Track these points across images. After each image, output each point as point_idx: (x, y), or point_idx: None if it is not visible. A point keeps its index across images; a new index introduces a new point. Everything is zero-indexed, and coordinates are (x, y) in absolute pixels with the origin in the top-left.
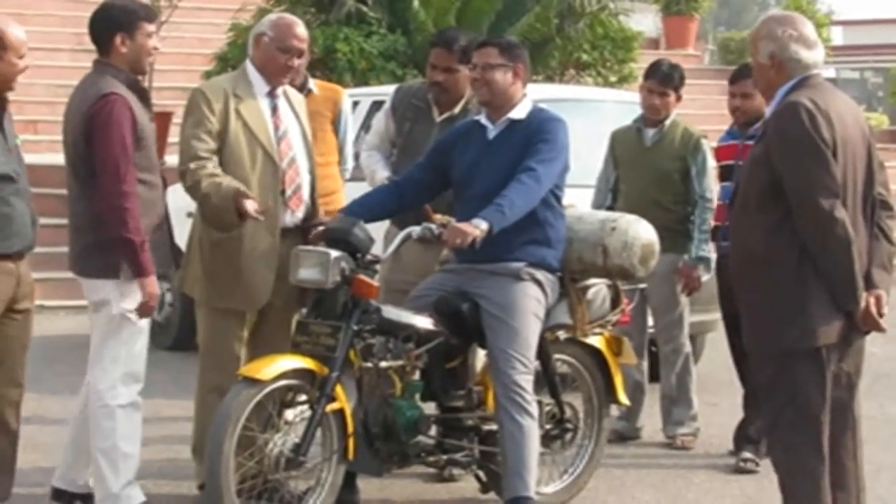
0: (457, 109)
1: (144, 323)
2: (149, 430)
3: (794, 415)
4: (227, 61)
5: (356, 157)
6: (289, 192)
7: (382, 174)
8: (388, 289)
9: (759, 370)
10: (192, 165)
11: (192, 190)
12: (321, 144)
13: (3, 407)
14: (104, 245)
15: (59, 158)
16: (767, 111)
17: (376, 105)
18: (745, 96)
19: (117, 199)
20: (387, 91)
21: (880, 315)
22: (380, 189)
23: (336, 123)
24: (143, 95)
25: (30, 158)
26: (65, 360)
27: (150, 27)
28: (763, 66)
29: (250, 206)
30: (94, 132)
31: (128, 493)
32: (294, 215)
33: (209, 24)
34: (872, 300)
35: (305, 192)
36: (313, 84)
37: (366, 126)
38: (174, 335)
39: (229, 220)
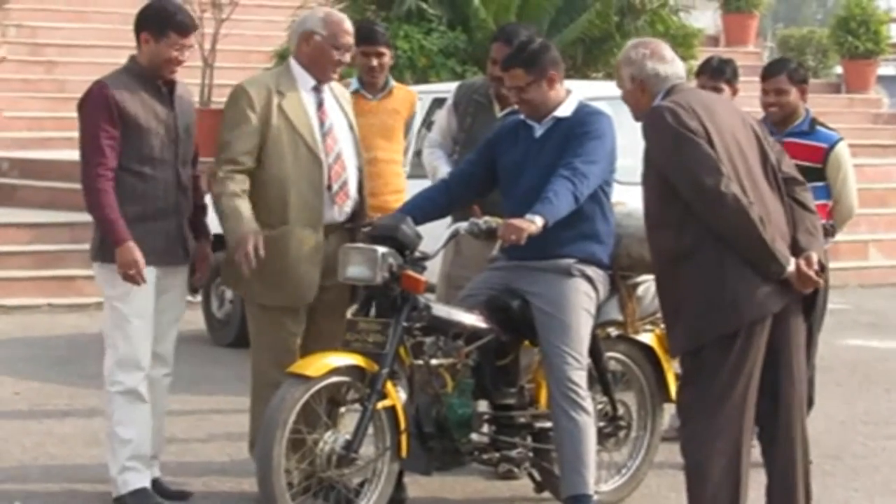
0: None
1: (136, 309)
2: (210, 427)
3: (722, 401)
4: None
5: (418, 153)
6: (335, 187)
7: (444, 171)
8: (449, 284)
9: (683, 363)
10: (221, 174)
11: (214, 199)
12: (395, 142)
13: None
14: (94, 229)
15: None
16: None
17: (437, 102)
18: (778, 93)
19: (83, 182)
20: (447, 88)
21: (817, 274)
22: (431, 188)
23: (408, 124)
24: (158, 92)
25: None
26: None
27: (182, 39)
28: (629, 91)
29: (250, 251)
30: (79, 120)
31: (124, 478)
32: (342, 210)
33: (269, 21)
34: (803, 261)
35: (352, 187)
36: (394, 83)
37: (426, 123)
38: (235, 332)
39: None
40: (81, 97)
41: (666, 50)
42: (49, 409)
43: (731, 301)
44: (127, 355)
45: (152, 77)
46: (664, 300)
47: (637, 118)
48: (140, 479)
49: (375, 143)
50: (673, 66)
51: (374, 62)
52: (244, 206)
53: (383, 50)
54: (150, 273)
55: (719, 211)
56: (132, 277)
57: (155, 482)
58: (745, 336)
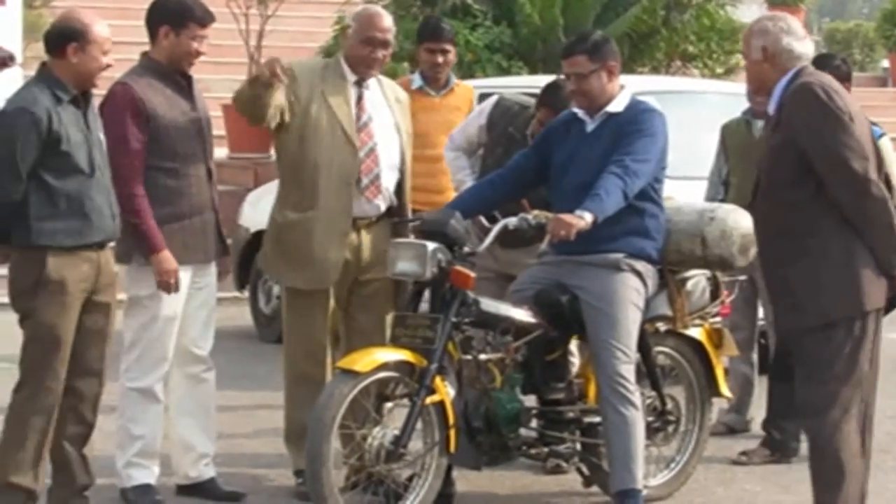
0: None
1: (165, 310)
2: (257, 423)
3: (845, 384)
4: (333, 55)
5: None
6: (365, 181)
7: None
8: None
9: (802, 345)
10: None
11: (236, 97)
12: None
13: (78, 398)
14: (123, 232)
15: None
16: (770, 107)
17: (482, 98)
18: None
19: (117, 187)
20: (493, 84)
21: None
22: (484, 181)
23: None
24: (178, 86)
25: None
26: None
27: (201, 31)
28: (756, 61)
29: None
30: (104, 123)
31: (128, 472)
32: (373, 205)
33: (314, 17)
34: None
35: (386, 183)
36: (455, 79)
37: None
38: (280, 329)
39: (256, 93)
40: (103, 99)
41: (800, 28)
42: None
43: (859, 285)
44: (150, 355)
45: (171, 71)
46: (778, 278)
47: (758, 92)
48: (145, 476)
49: (439, 139)
50: (805, 46)
51: (440, 59)
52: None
53: (448, 47)
54: (185, 273)
55: (862, 197)
56: (168, 285)
57: (209, 482)
58: (871, 321)
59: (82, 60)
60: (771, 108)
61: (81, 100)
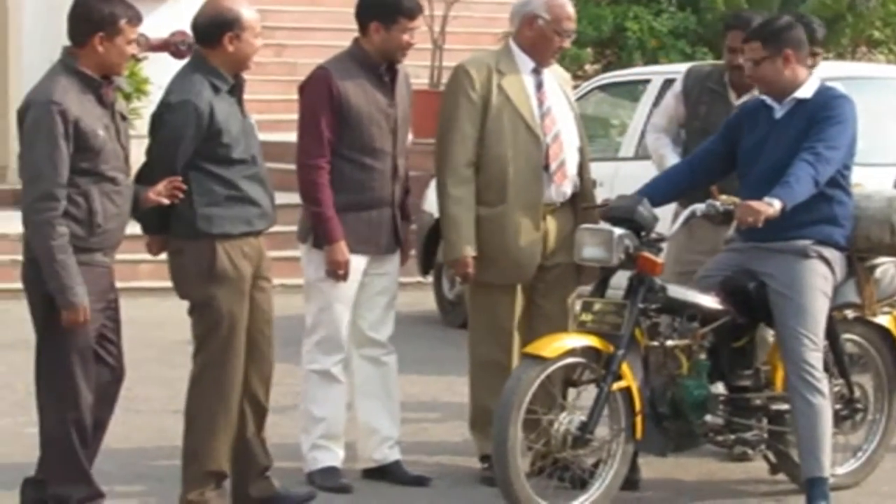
0: (756, 91)
1: (340, 294)
2: (442, 407)
3: None
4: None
5: (642, 135)
6: (553, 166)
7: (672, 160)
8: (678, 270)
9: None
10: (450, 183)
11: (438, 188)
12: None
13: (251, 382)
14: (304, 212)
15: None
16: None
17: (668, 83)
18: None
19: (301, 172)
20: (677, 70)
21: None
22: (673, 168)
23: None
24: (380, 80)
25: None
26: None
27: (410, 23)
28: None
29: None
30: (300, 105)
31: (313, 455)
32: (560, 190)
33: (498, 2)
34: None
35: (570, 168)
36: None
37: (658, 104)
38: (464, 314)
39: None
40: (304, 81)
41: None
42: (283, 390)
43: None
44: (328, 338)
45: (377, 63)
46: None
47: None
48: (329, 458)
49: None
50: None
51: None
52: (465, 217)
53: None
54: (359, 261)
55: None
56: (337, 276)
57: (394, 465)
58: None
59: (239, 48)
60: None
61: (236, 87)
